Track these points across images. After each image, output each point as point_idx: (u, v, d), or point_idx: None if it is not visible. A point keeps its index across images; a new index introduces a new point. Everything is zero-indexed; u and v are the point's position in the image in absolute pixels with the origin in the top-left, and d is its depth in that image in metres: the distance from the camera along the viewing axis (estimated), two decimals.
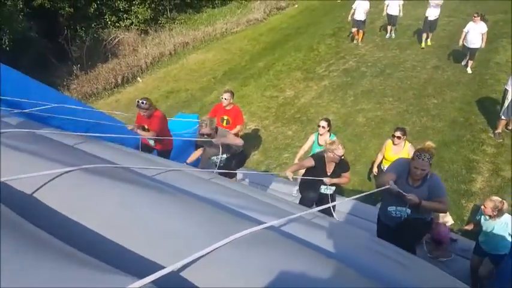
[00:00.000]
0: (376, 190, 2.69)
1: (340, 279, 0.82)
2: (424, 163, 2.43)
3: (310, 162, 3.34)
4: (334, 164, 3.32)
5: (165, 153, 3.96)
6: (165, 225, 0.87)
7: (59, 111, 2.61)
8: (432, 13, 8.59)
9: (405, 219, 2.67)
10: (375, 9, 10.39)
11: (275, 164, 6.09)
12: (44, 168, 1.00)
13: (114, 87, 10.56)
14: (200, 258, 0.76)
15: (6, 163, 1.01)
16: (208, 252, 0.77)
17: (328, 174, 3.34)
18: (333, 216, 3.09)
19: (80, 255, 0.69)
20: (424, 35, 9.00)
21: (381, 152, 4.45)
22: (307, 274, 0.78)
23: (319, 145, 4.24)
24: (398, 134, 4.15)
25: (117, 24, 13.23)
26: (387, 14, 9.49)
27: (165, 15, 14.31)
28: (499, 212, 2.99)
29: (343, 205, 4.11)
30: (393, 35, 9.89)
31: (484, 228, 3.12)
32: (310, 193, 3.44)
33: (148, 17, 13.43)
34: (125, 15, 13.34)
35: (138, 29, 13.27)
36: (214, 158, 3.51)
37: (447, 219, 3.75)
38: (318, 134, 4.36)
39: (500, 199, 3.05)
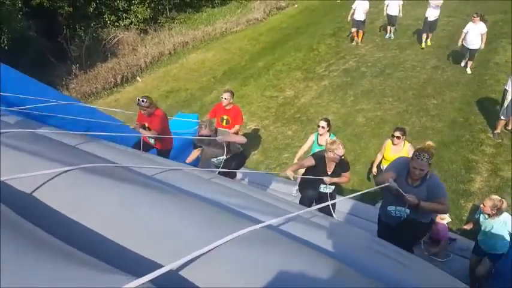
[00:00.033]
0: (375, 188, 2.69)
1: (340, 279, 0.82)
2: (423, 163, 2.43)
3: (311, 162, 3.34)
4: (334, 163, 3.33)
5: (164, 153, 3.95)
6: (165, 225, 0.87)
7: (58, 109, 2.61)
8: (432, 14, 8.60)
9: (405, 219, 2.67)
10: (375, 9, 10.40)
11: (275, 164, 6.09)
12: (44, 167, 0.99)
13: (114, 87, 10.54)
14: (199, 257, 0.76)
15: (5, 162, 1.00)
16: (206, 251, 0.77)
17: (329, 173, 3.35)
18: (332, 216, 3.09)
19: (79, 254, 0.68)
20: (424, 36, 9.00)
21: (381, 152, 4.46)
22: (307, 273, 0.78)
23: (319, 145, 4.24)
24: (397, 134, 4.16)
25: (116, 23, 13.21)
26: (387, 15, 9.50)
27: (164, 15, 14.30)
28: (498, 211, 2.99)
29: (343, 205, 4.12)
30: (392, 36, 9.90)
31: (482, 227, 3.12)
32: (309, 191, 3.45)
33: (148, 16, 13.42)
34: (124, 15, 13.32)
35: (137, 28, 13.24)
36: (214, 160, 3.50)
37: (444, 215, 3.74)
38: (318, 134, 4.36)
39: (500, 198, 3.05)
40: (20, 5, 9.92)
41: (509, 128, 5.85)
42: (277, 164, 6.04)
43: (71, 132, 1.87)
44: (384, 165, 4.32)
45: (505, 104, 5.42)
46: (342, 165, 3.39)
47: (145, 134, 3.85)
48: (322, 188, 3.40)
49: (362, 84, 8.03)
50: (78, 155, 1.26)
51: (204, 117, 5.12)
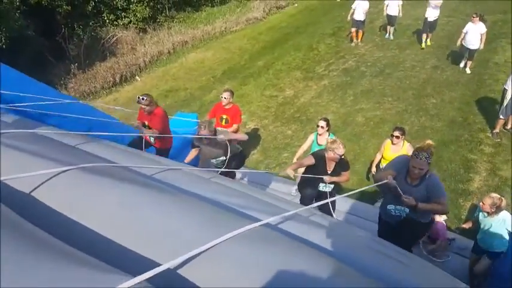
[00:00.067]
0: (374, 185, 2.68)
1: (340, 278, 0.82)
2: (422, 162, 2.43)
3: (311, 161, 3.35)
4: (334, 162, 3.33)
5: (163, 152, 3.94)
6: (165, 225, 0.87)
7: (58, 108, 2.60)
8: (432, 14, 8.60)
9: (405, 218, 2.67)
10: (375, 9, 10.40)
11: (274, 163, 6.09)
12: (43, 167, 0.99)
13: (112, 86, 10.52)
14: (198, 256, 0.76)
15: (5, 162, 1.00)
16: (205, 250, 0.77)
17: (329, 172, 3.35)
18: (332, 215, 3.09)
19: (79, 254, 0.68)
20: (424, 36, 9.00)
21: (380, 152, 4.46)
22: (306, 272, 0.78)
23: (319, 145, 4.24)
24: (397, 133, 4.16)
25: (115, 22, 13.18)
26: (387, 15, 9.50)
27: (163, 14, 14.27)
28: (497, 209, 2.99)
29: (342, 204, 4.12)
30: (391, 36, 9.91)
31: (482, 225, 3.12)
32: (308, 190, 3.45)
33: (147, 15, 13.39)
34: (123, 14, 13.29)
35: (136, 27, 13.21)
36: (213, 161, 3.49)
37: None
38: (317, 133, 4.36)
39: (499, 196, 3.05)
40: (18, 3, 9.87)
41: (508, 128, 5.86)
42: (277, 164, 6.04)
43: (71, 132, 1.86)
44: (383, 165, 4.33)
45: (504, 103, 5.43)
46: (342, 165, 3.39)
47: (146, 133, 3.84)
48: (322, 187, 3.41)
49: (361, 84, 8.04)
50: (77, 155, 1.26)
51: (204, 117, 5.12)
